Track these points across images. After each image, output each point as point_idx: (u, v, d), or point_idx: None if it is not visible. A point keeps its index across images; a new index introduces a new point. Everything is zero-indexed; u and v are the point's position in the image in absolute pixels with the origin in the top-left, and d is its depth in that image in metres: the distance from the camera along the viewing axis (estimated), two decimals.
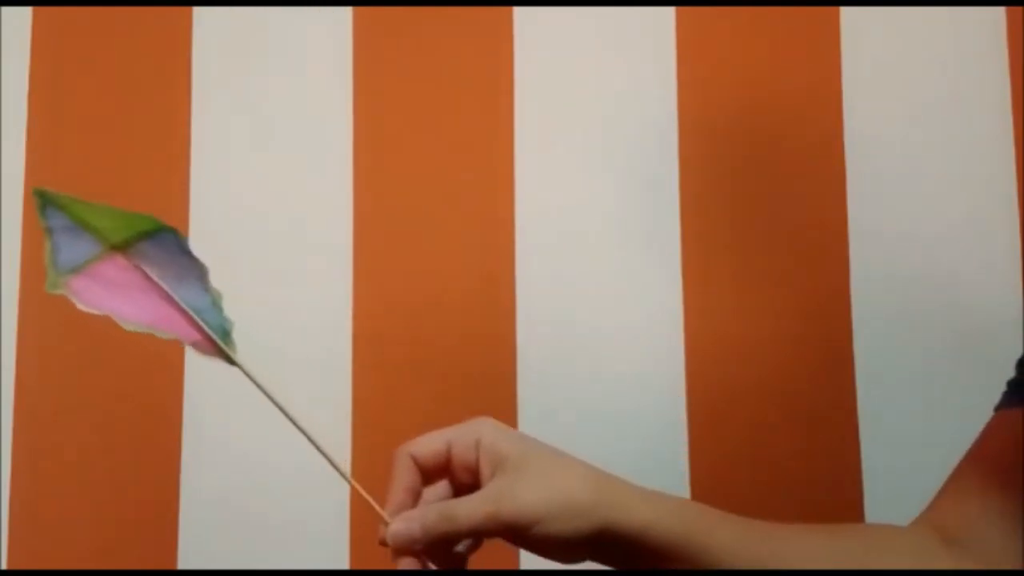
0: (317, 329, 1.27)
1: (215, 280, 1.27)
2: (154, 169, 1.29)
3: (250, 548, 1.23)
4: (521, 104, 1.31)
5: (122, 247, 0.70)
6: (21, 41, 1.30)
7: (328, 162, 1.30)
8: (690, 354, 1.27)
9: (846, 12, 1.33)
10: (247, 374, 0.69)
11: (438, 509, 0.70)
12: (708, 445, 1.25)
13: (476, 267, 1.28)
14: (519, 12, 1.32)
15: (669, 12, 1.32)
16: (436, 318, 1.26)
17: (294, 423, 0.69)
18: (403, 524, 0.70)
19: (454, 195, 1.29)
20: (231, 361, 0.70)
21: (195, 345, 0.71)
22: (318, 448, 0.70)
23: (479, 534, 0.71)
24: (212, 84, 1.30)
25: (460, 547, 0.72)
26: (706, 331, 1.27)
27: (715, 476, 1.25)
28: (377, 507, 0.71)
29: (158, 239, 0.70)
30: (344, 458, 1.24)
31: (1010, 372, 0.83)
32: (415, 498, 0.72)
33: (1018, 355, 0.83)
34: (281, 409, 0.69)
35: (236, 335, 1.26)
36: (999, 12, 1.34)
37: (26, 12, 1.31)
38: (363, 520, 1.22)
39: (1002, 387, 0.83)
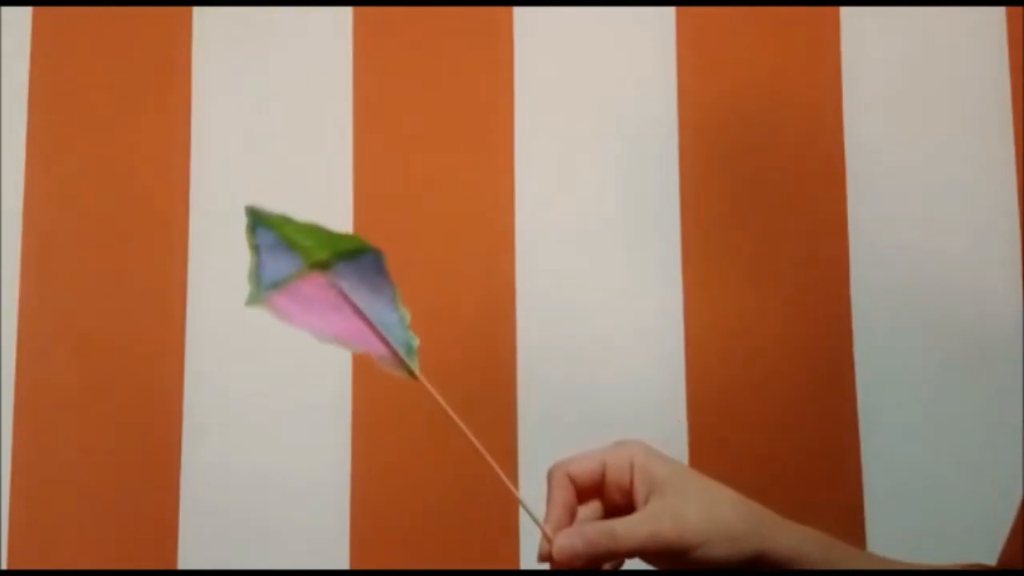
0: None
1: (214, 278, 1.28)
2: (154, 169, 1.29)
3: (250, 548, 1.23)
4: (521, 104, 1.31)
5: (322, 266, 0.72)
6: (21, 41, 1.30)
7: (328, 162, 1.29)
8: (690, 354, 1.27)
9: (846, 12, 1.33)
10: (428, 388, 0.71)
11: (598, 526, 0.71)
12: (708, 445, 1.25)
13: (476, 267, 1.28)
14: (519, 12, 1.32)
15: (669, 12, 1.32)
16: (435, 318, 1.26)
17: (471, 439, 0.70)
18: (567, 539, 0.70)
19: (454, 195, 1.29)
20: (412, 375, 0.72)
21: (381, 359, 0.73)
22: (493, 465, 0.71)
23: (636, 554, 0.71)
24: (212, 84, 1.30)
25: (608, 565, 0.73)
26: (706, 331, 1.27)
27: (715, 476, 1.24)
28: (541, 524, 0.72)
29: (358, 260, 0.72)
30: (343, 460, 1.24)
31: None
32: (571, 516, 0.73)
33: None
34: (460, 425, 0.70)
35: (235, 333, 1.27)
36: (999, 12, 1.33)
37: (26, 12, 1.31)
38: (363, 520, 1.22)
39: (1001, 391, 0.83)
